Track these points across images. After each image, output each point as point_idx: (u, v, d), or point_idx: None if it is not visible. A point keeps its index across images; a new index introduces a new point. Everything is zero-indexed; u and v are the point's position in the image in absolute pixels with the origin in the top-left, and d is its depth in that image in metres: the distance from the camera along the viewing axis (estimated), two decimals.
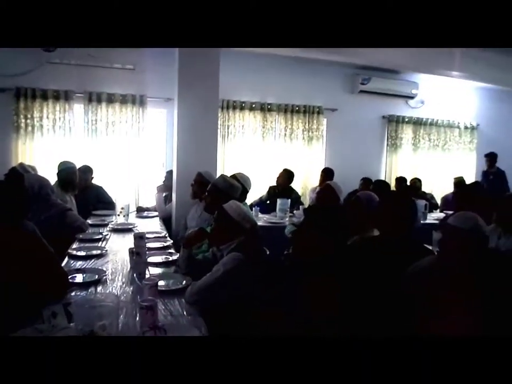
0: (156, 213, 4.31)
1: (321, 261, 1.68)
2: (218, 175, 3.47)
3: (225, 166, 5.61)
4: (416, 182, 5.54)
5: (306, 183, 6.10)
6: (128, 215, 3.80)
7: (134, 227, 3.54)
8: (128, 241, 2.99)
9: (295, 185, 5.24)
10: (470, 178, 6.29)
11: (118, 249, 2.80)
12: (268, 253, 2.49)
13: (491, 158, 6.20)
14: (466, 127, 6.79)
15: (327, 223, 1.85)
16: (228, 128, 5.68)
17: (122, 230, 3.44)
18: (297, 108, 5.93)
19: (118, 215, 3.74)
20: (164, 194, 4.45)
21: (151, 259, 2.50)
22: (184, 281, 2.08)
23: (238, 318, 1.70)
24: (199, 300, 1.85)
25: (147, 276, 2.16)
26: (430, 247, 2.64)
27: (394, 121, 6.41)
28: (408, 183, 5.49)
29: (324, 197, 3.24)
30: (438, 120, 6.60)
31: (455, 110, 6.73)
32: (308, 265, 1.72)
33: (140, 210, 4.39)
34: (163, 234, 3.33)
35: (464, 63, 5.14)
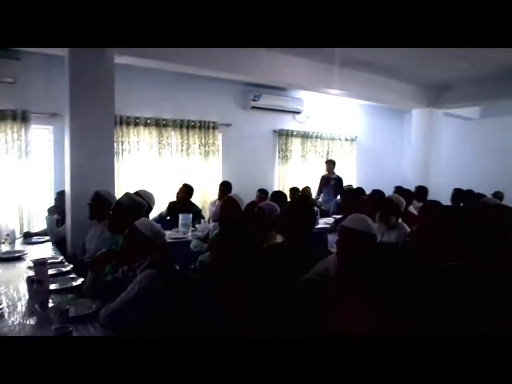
0: (47, 237, 3.97)
1: (237, 269, 1.76)
2: (116, 193, 3.36)
3: (121, 184, 5.41)
4: (307, 190, 5.98)
5: (205, 197, 6.16)
6: (14, 242, 3.46)
7: (23, 254, 3.23)
8: (21, 270, 2.74)
9: (194, 199, 5.27)
10: (351, 183, 6.99)
11: (9, 280, 2.54)
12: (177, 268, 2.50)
13: (333, 164, 6.67)
14: (346, 139, 7.53)
15: (240, 234, 1.95)
16: (122, 145, 5.50)
17: (10, 259, 3.12)
18: (192, 123, 5.99)
19: (3, 242, 3.39)
20: (56, 217, 4.13)
21: (51, 286, 2.32)
22: (94, 306, 1.98)
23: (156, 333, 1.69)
24: (114, 321, 1.79)
25: (50, 304, 2.02)
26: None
27: (284, 135, 6.85)
28: (300, 192, 5.90)
29: (227, 209, 3.33)
30: (322, 133, 7.22)
31: (337, 123, 7.44)
32: (224, 275, 1.79)
33: (27, 235, 4.00)
34: (60, 259, 3.11)
35: (342, 81, 5.74)
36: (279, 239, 2.85)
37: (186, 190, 4.97)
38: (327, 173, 6.66)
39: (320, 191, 6.59)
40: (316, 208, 4.82)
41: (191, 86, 5.78)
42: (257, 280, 1.75)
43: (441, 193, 6.52)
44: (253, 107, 6.41)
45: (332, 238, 3.16)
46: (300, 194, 5.67)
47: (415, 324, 1.35)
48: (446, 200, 5.78)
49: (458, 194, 5.39)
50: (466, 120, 8.30)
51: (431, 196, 5.53)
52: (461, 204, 5.14)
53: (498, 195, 5.82)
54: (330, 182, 6.53)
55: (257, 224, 2.82)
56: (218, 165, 6.37)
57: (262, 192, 5.48)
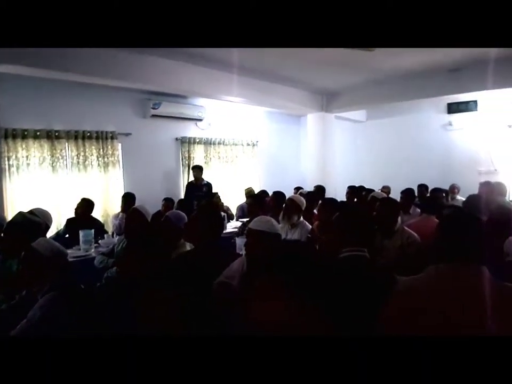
0: None
1: (147, 281, 1.75)
2: (6, 214, 3.08)
3: (12, 204, 4.93)
4: (217, 196, 6.02)
5: (107, 210, 5.89)
6: None
7: None
8: None
9: (95, 214, 5.02)
10: (256, 187, 7.20)
11: None
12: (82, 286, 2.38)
13: (200, 170, 6.43)
14: (248, 144, 7.75)
15: (148, 246, 1.93)
16: (8, 160, 5.02)
17: None
18: (89, 134, 5.67)
19: None
20: None
21: None
22: None
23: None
24: None
25: None
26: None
27: (187, 142, 6.82)
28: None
29: (132, 221, 3.24)
30: (224, 139, 7.34)
31: (239, 129, 7.62)
32: (134, 285, 1.76)
33: None
34: None
35: (241, 89, 5.91)
36: (188, 247, 2.86)
37: (86, 205, 4.71)
38: (194, 179, 6.41)
39: (187, 197, 6.18)
40: (223, 214, 4.92)
41: (86, 95, 5.51)
42: (169, 289, 1.75)
43: (338, 191, 7.05)
44: (153, 115, 6.29)
45: (240, 241, 3.24)
46: (207, 201, 5.70)
47: (329, 314, 1.46)
48: (342, 197, 6.27)
49: (351, 190, 5.86)
50: (355, 122, 9.06)
51: (328, 194, 5.95)
52: (355, 199, 5.60)
53: (385, 189, 6.46)
54: (201, 188, 6.27)
55: (164, 234, 2.79)
56: (119, 176, 6.13)
57: (168, 201, 5.42)
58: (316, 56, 4.48)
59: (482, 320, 1.29)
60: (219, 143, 7.29)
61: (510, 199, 4.75)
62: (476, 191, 4.59)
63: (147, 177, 6.27)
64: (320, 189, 5.65)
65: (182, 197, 6.53)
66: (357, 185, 6.07)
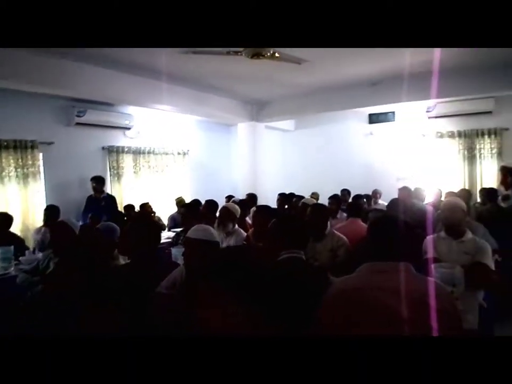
0: None
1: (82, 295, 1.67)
2: None
3: None
4: (149, 206, 5.86)
5: (27, 225, 5.49)
6: None
7: None
8: None
9: (14, 229, 4.67)
10: (187, 197, 7.12)
11: None
12: None
13: (102, 182, 5.94)
14: (179, 153, 7.63)
15: (78, 260, 1.84)
16: None
17: None
18: (5, 144, 5.25)
19: None
20: None
21: None
22: None
23: None
24: None
25: None
26: None
27: (115, 152, 6.55)
28: (139, 209, 5.77)
29: (59, 235, 3.05)
30: (154, 148, 7.16)
31: (169, 138, 7.49)
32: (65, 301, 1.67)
33: None
34: None
35: (170, 97, 5.85)
36: (122, 259, 2.77)
37: (3, 220, 4.37)
38: (93, 192, 5.84)
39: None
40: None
41: (1, 101, 5.10)
42: (104, 304, 1.69)
43: (269, 198, 7.20)
44: (78, 123, 5.96)
45: (176, 251, 3.20)
46: (139, 211, 5.53)
47: (271, 316, 1.50)
48: (273, 204, 6.41)
49: (282, 198, 6.02)
50: (284, 131, 9.34)
51: (260, 201, 6.06)
52: (286, 206, 5.77)
53: (314, 195, 6.72)
54: (100, 201, 5.76)
55: (96, 247, 2.67)
56: (40, 188, 5.74)
57: (94, 216, 5.16)
58: (246, 67, 4.57)
59: (415, 308, 1.41)
60: (149, 152, 7.09)
61: (426, 203, 5.17)
62: (395, 196, 4.96)
63: (72, 189, 5.94)
64: (252, 197, 5.74)
65: None
66: (287, 193, 6.25)
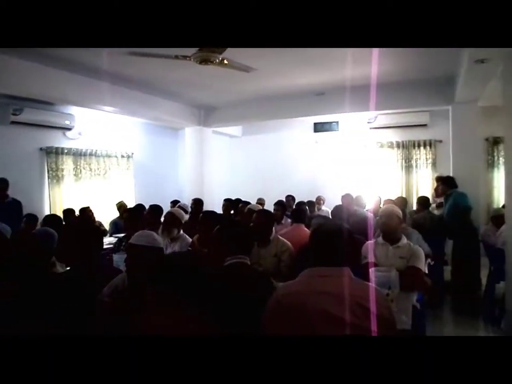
0: None
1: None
2: None
3: None
4: (90, 210, 5.61)
5: None
6: None
7: None
8: None
9: None
10: (130, 201, 6.94)
11: None
12: None
13: (6, 184, 5.18)
14: (123, 156, 7.40)
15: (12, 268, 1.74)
16: None
17: None
18: None
19: None
20: None
21: None
22: None
23: None
24: None
25: None
26: None
27: (54, 153, 6.23)
28: (79, 213, 5.52)
29: None
30: (97, 150, 6.90)
31: (113, 140, 7.24)
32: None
33: None
34: None
35: (114, 99, 5.68)
36: (59, 266, 2.65)
37: None
38: None
39: None
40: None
41: None
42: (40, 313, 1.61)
43: (215, 203, 7.19)
44: (14, 122, 5.61)
45: (118, 257, 3.10)
46: (79, 216, 5.30)
47: (218, 319, 1.50)
48: (219, 209, 6.41)
49: (228, 203, 6.03)
50: (231, 137, 9.37)
51: (206, 207, 6.03)
52: (232, 212, 5.78)
53: (260, 201, 6.80)
54: (4, 207, 5.06)
55: (31, 253, 2.53)
56: None
57: (30, 219, 4.86)
58: (194, 72, 4.55)
59: (353, 311, 1.49)
60: (90, 155, 6.81)
61: (367, 209, 5.40)
62: (339, 202, 5.14)
63: None
64: (198, 202, 5.69)
65: (48, 212, 5.96)
66: (233, 198, 6.27)
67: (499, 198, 7.09)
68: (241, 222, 3.15)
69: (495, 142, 7.22)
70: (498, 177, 7.20)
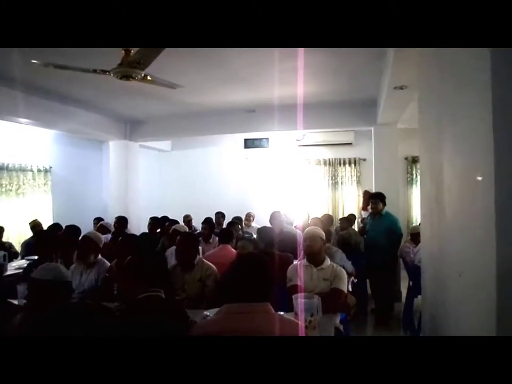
0: None
1: None
2: None
3: None
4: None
5: None
6: None
7: None
8: None
9: None
10: (47, 219, 6.41)
11: None
12: None
13: None
14: (39, 170, 6.81)
15: None
16: None
17: None
18: None
19: None
20: None
21: None
22: None
23: None
24: None
25: None
26: None
27: None
28: None
29: None
30: (8, 163, 6.29)
31: (28, 153, 6.64)
32: None
33: None
34: None
35: (29, 110, 5.24)
36: None
37: None
38: None
39: None
40: (2, 252, 4.18)
41: None
42: None
43: (141, 221, 6.90)
44: None
45: (23, 289, 2.79)
46: None
47: None
48: (145, 227, 6.15)
49: (153, 222, 5.81)
50: (160, 151, 9.10)
51: (131, 224, 5.75)
52: (158, 230, 5.57)
53: (187, 218, 6.64)
54: None
55: None
56: None
57: None
58: (117, 84, 4.32)
59: None
60: (1, 168, 6.18)
61: (295, 226, 5.46)
62: (268, 219, 5.15)
63: None
64: (121, 221, 5.40)
65: None
66: (160, 216, 6.05)
67: (417, 214, 7.55)
68: (156, 251, 3.01)
69: (414, 161, 7.72)
70: (416, 194, 7.68)
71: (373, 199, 5.05)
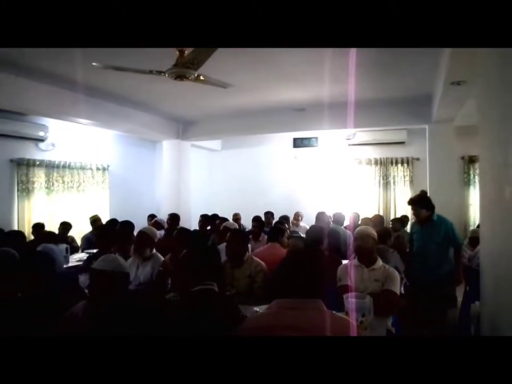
0: None
1: None
2: None
3: None
4: (40, 227, 5.40)
5: None
6: None
7: None
8: None
9: None
10: (105, 215, 6.75)
11: None
12: None
13: None
14: (98, 168, 7.21)
15: None
16: None
17: None
18: None
19: None
20: None
21: None
22: None
23: None
24: None
25: None
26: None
27: (25, 165, 6.01)
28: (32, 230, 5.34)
29: None
30: (71, 162, 6.70)
31: (88, 152, 7.05)
32: None
33: None
34: None
35: (90, 111, 5.55)
36: None
37: None
38: None
39: None
40: (64, 246, 4.46)
41: None
42: None
43: (193, 218, 7.07)
44: None
45: (85, 279, 2.96)
46: (45, 231, 5.09)
47: None
48: (196, 225, 6.30)
49: (204, 219, 5.93)
50: (210, 151, 9.29)
51: (183, 222, 5.91)
52: (208, 228, 5.68)
53: (236, 216, 6.73)
54: None
55: None
56: None
57: None
58: (172, 86, 4.48)
59: None
60: (64, 167, 6.60)
61: (344, 226, 5.38)
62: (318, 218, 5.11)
63: None
64: (173, 218, 5.57)
65: (16, 227, 5.74)
66: (210, 214, 6.17)
67: (475, 216, 7.19)
68: (210, 246, 3.07)
69: (471, 160, 7.36)
70: (474, 195, 7.31)
71: (412, 206, 4.10)
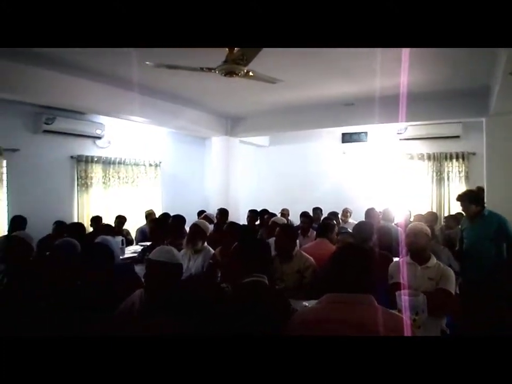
0: None
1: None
2: None
3: None
4: (99, 220, 5.68)
5: None
6: None
7: None
8: None
9: None
10: (158, 210, 6.99)
11: None
12: None
13: None
14: (151, 164, 7.49)
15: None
16: None
17: None
18: None
19: None
20: None
21: None
22: None
23: None
24: None
25: None
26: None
27: (84, 161, 6.37)
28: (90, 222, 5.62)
29: (16, 251, 2.90)
30: (125, 158, 7.01)
31: (141, 149, 7.34)
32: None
33: None
34: None
35: (144, 109, 5.76)
36: None
37: None
38: None
39: None
40: (121, 238, 4.67)
41: None
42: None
43: (241, 214, 7.16)
44: (46, 131, 5.77)
45: (140, 270, 3.10)
46: (104, 224, 5.36)
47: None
48: (244, 220, 6.37)
49: (252, 214, 5.99)
50: (258, 147, 9.35)
51: (231, 217, 6.00)
52: (256, 223, 5.73)
53: (284, 211, 6.73)
54: None
55: (55, 264, 2.56)
56: (3, 197, 5.49)
57: (59, 225, 4.96)
58: (221, 83, 4.55)
59: None
60: (119, 163, 6.92)
61: (395, 223, 5.23)
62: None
63: (37, 198, 5.67)
64: (223, 213, 5.67)
65: (76, 219, 6.08)
66: (258, 209, 6.22)
67: None
68: (261, 239, 3.10)
69: None
70: None
71: (461, 202, 3.98)
